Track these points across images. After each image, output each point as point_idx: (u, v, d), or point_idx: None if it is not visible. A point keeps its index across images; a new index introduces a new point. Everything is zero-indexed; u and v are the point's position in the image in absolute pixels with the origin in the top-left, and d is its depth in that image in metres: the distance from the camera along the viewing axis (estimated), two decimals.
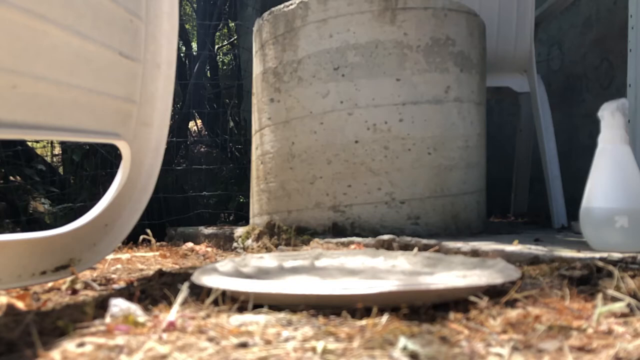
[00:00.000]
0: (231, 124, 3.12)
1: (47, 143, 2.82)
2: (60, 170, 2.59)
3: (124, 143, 0.98)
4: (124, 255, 1.36)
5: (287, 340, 0.52)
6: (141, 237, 1.51)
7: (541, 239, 1.31)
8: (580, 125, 2.35)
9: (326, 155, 1.49)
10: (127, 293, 0.80)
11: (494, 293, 0.72)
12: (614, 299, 0.65)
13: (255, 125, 1.70)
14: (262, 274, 0.88)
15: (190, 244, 1.66)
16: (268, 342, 0.51)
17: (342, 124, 1.47)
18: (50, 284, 0.92)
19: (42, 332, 0.56)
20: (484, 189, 1.66)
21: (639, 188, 1.05)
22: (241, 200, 2.65)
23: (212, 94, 3.41)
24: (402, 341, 0.49)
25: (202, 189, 2.73)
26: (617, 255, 0.93)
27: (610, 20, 2.24)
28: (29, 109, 0.75)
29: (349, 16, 1.49)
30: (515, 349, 0.50)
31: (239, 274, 0.85)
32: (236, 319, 0.60)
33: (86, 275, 1.03)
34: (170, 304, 0.68)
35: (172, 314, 0.57)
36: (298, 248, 1.34)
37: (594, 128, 1.12)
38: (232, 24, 3.87)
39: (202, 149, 3.59)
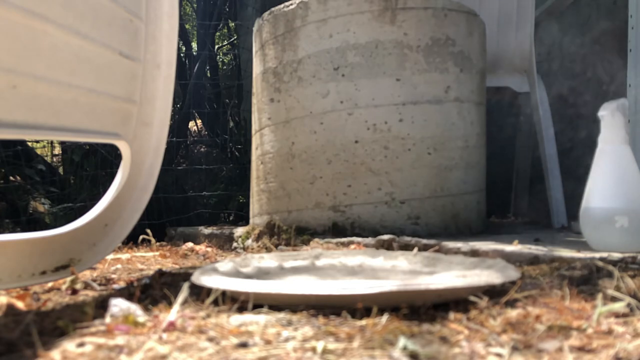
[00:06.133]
0: (231, 124, 3.12)
1: (47, 143, 2.82)
2: (60, 170, 2.59)
3: (124, 143, 0.98)
4: (124, 255, 1.36)
5: (287, 340, 0.52)
6: (141, 237, 1.51)
7: (541, 239, 1.31)
8: (580, 125, 2.35)
9: (326, 155, 1.49)
10: (127, 293, 0.80)
11: (494, 293, 0.72)
12: (614, 299, 0.65)
13: (255, 125, 1.70)
14: (262, 274, 0.88)
15: (190, 244, 1.66)
16: (268, 342, 0.51)
17: (342, 124, 1.47)
18: (50, 284, 0.92)
19: (42, 332, 0.56)
20: (484, 189, 1.66)
21: (638, 188, 1.05)
22: (241, 200, 2.65)
23: (212, 94, 3.41)
24: (402, 341, 0.49)
25: (202, 189, 2.73)
26: (617, 255, 0.93)
27: (610, 20, 2.24)
28: (29, 109, 0.75)
29: (348, 16, 1.49)
30: (515, 349, 0.50)
31: (239, 274, 0.85)
32: (236, 319, 0.60)
33: (86, 275, 1.03)
34: (170, 304, 0.68)
35: (172, 314, 0.57)
36: (298, 248, 1.34)
37: (594, 128, 1.12)
38: (232, 24, 3.87)
39: (202, 149, 3.59)
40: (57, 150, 2.84)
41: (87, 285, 0.91)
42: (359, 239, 1.31)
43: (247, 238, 1.55)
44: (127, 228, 1.03)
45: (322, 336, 0.53)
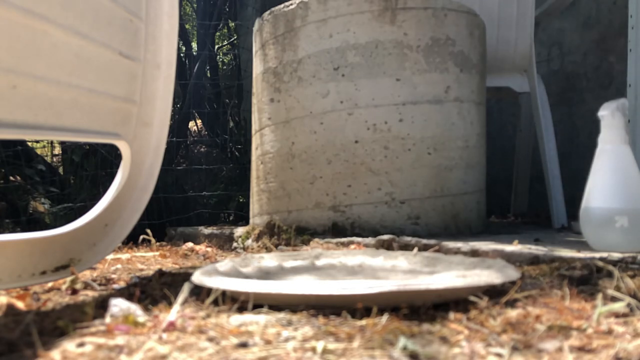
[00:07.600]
0: (231, 124, 3.12)
1: (47, 143, 2.82)
2: (60, 170, 2.59)
3: (124, 143, 0.98)
4: (124, 255, 1.36)
5: (287, 340, 0.52)
6: (141, 237, 1.51)
7: (541, 239, 1.31)
8: (580, 125, 2.35)
9: (326, 155, 1.48)
10: (127, 293, 0.80)
11: (494, 293, 0.72)
12: (614, 299, 0.65)
13: (255, 125, 1.70)
14: (262, 274, 0.88)
15: (190, 244, 1.66)
16: (268, 342, 0.51)
17: (342, 124, 1.47)
18: (50, 284, 0.92)
19: (42, 332, 0.56)
20: (484, 189, 1.66)
21: (638, 188, 1.05)
22: (241, 200, 2.65)
23: (212, 94, 3.41)
24: (402, 341, 0.49)
25: (202, 189, 2.73)
26: (617, 255, 0.93)
27: (610, 20, 2.24)
28: (29, 109, 0.75)
29: (348, 16, 1.49)
30: (515, 349, 0.50)
31: (239, 274, 0.85)
32: (236, 319, 0.60)
33: (86, 275, 1.03)
34: (170, 304, 0.68)
35: (172, 314, 0.57)
36: (298, 248, 1.34)
37: (594, 128, 1.12)
38: (232, 24, 3.87)
39: (202, 149, 3.59)
40: (57, 150, 2.84)
41: (87, 285, 0.91)
42: (359, 239, 1.31)
43: (247, 238, 1.55)
44: (127, 228, 1.04)
45: (322, 336, 0.53)
